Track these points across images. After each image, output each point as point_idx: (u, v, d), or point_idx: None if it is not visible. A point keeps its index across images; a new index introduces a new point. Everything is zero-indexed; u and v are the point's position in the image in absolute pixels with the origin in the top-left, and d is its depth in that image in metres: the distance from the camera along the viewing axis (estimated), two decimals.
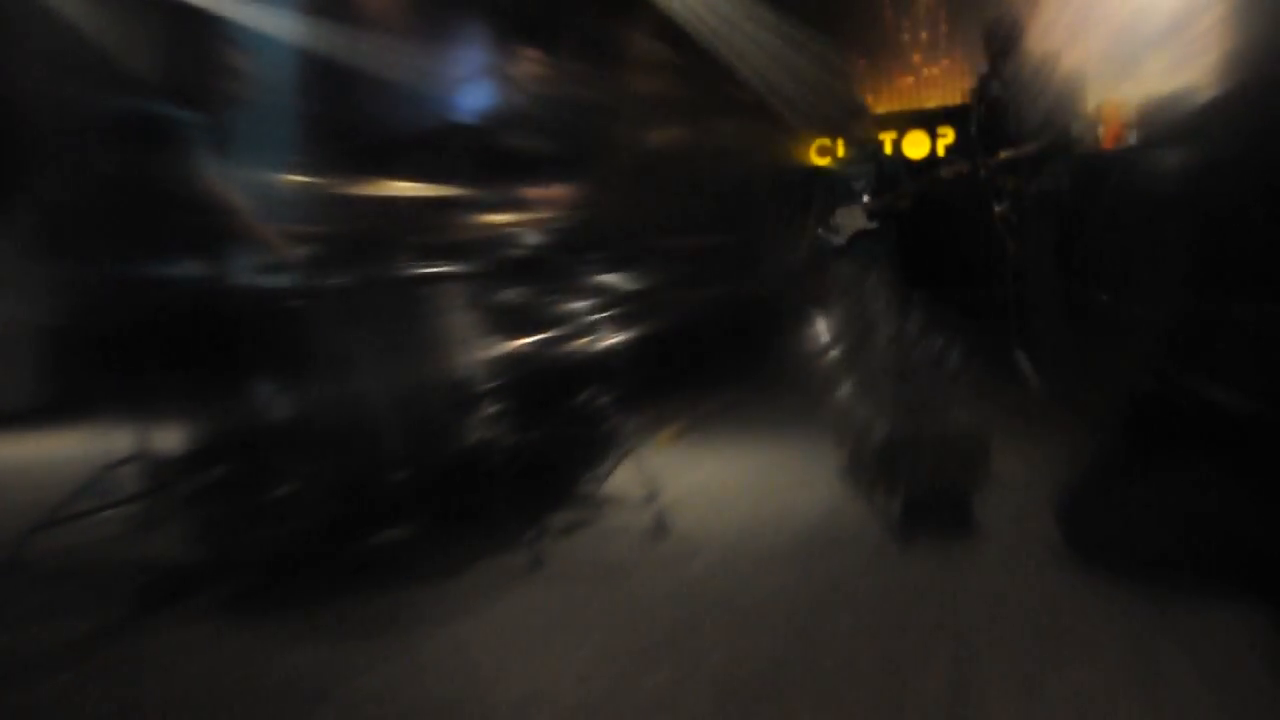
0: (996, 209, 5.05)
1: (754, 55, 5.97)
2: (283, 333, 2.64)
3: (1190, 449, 2.39)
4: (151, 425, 2.79)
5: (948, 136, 7.20)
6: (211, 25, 3.28)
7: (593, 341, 3.01)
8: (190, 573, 2.59)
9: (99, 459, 3.15)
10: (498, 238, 3.50)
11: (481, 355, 2.66)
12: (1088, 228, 4.85)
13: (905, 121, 7.47)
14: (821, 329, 3.61)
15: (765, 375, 6.47)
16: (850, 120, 5.12)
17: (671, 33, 6.12)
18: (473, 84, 5.12)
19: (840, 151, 5.65)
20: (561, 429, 3.02)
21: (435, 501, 3.11)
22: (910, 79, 8.83)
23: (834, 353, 3.51)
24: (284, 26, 4.83)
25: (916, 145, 7.27)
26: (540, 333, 3.22)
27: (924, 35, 8.62)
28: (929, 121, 7.30)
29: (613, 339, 3.28)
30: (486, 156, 4.98)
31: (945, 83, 8.59)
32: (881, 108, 8.42)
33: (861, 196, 5.63)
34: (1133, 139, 7.16)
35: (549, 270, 4.72)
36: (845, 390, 3.35)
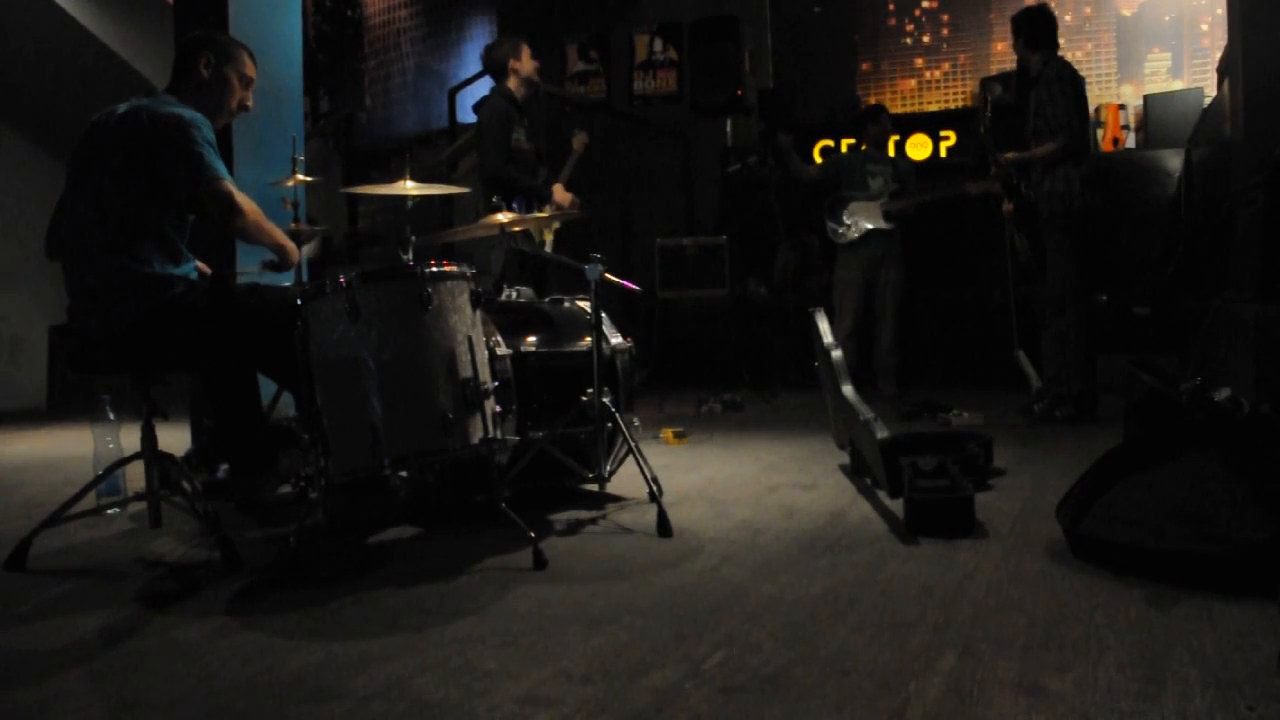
0: (1005, 208, 5.03)
1: None
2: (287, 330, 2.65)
3: (1190, 448, 2.39)
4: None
5: (950, 139, 7.22)
6: None
7: (593, 341, 3.00)
8: (192, 571, 2.59)
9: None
10: (500, 237, 3.50)
11: (483, 354, 2.66)
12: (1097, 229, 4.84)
13: (908, 124, 7.48)
14: (823, 328, 3.61)
15: (766, 375, 6.49)
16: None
17: None
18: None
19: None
20: (562, 429, 3.02)
21: (437, 501, 3.12)
22: (913, 82, 8.84)
23: (835, 352, 3.51)
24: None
25: (919, 148, 7.29)
26: (541, 332, 3.23)
27: (926, 39, 8.63)
28: (931, 124, 7.31)
29: (614, 339, 3.28)
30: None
31: (947, 86, 8.60)
32: None
33: (879, 196, 5.59)
34: (1132, 140, 7.17)
35: (550, 270, 4.73)
36: (846, 390, 3.35)
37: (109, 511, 3.06)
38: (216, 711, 1.66)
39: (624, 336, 3.35)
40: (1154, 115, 6.95)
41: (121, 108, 2.81)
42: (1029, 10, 5.00)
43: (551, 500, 3.26)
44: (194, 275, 2.88)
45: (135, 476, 2.93)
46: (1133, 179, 6.52)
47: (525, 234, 4.68)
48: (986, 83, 5.37)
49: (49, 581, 2.53)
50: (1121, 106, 7.31)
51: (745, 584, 2.29)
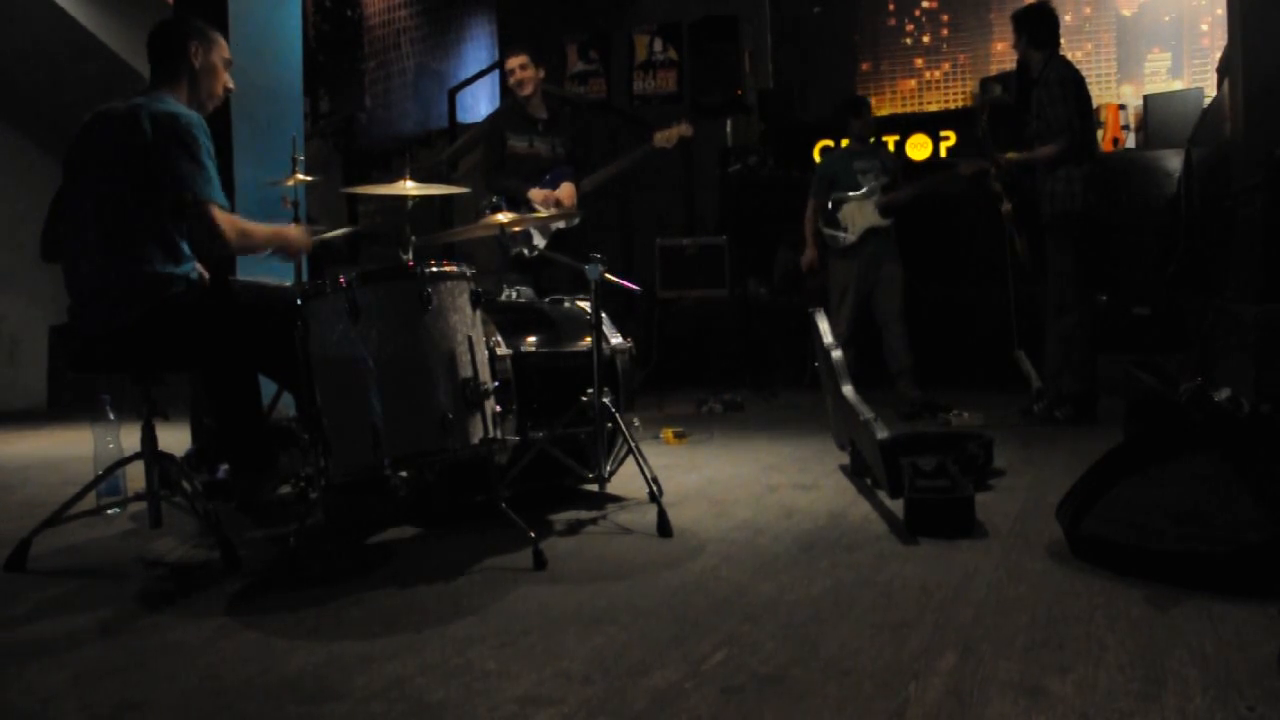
0: (1004, 208, 5.00)
1: None
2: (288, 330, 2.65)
3: (1190, 449, 2.39)
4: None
5: (950, 139, 7.22)
6: None
7: (593, 341, 3.00)
8: (192, 571, 2.59)
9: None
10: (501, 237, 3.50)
11: (483, 354, 2.66)
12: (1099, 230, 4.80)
13: (908, 124, 7.49)
14: (823, 328, 3.61)
15: (766, 375, 6.49)
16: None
17: None
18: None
19: None
20: (562, 429, 3.02)
21: (437, 501, 3.12)
22: (913, 82, 8.85)
23: (835, 352, 3.51)
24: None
25: (919, 148, 7.30)
26: (541, 332, 3.23)
27: (926, 39, 8.63)
28: (932, 124, 7.32)
29: (614, 339, 3.29)
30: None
31: (947, 86, 8.60)
32: (884, 111, 8.45)
33: (872, 193, 5.50)
34: (1132, 140, 7.17)
35: (550, 269, 4.73)
36: (846, 390, 3.35)
37: (109, 511, 3.06)
38: (216, 711, 1.66)
39: (624, 336, 3.35)
40: (1154, 115, 6.96)
41: (119, 106, 2.79)
42: (1032, 8, 4.95)
43: (551, 500, 3.26)
44: (194, 275, 2.87)
45: (135, 476, 2.93)
46: (1133, 179, 6.52)
47: (524, 234, 4.68)
48: (985, 84, 5.31)
49: (49, 581, 2.53)
50: (1121, 106, 7.32)
51: (745, 584, 2.29)
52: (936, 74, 8.70)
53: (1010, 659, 1.76)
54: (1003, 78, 7.59)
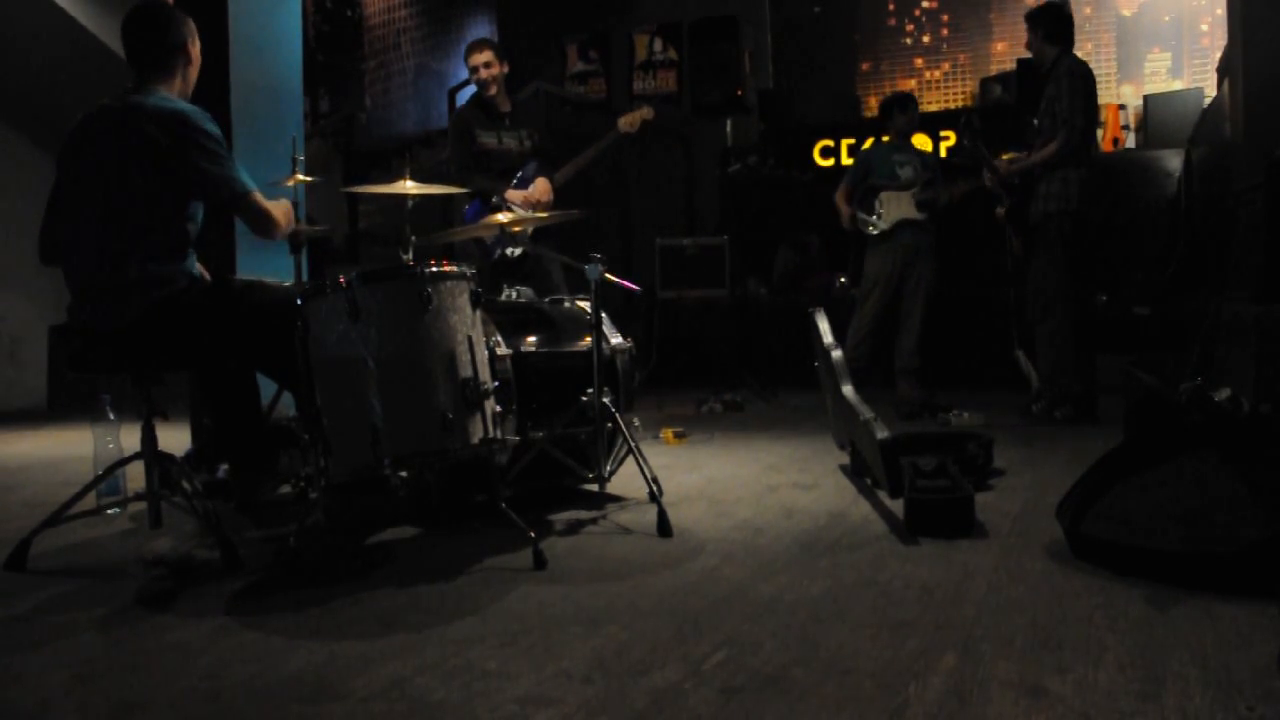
0: (998, 211, 5.00)
1: None
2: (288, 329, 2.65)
3: (1190, 449, 2.39)
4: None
5: (950, 139, 7.23)
6: None
7: (593, 341, 3.00)
8: (192, 571, 2.59)
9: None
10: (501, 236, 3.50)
11: (483, 354, 2.66)
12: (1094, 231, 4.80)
13: None
14: (823, 328, 3.60)
15: (766, 375, 6.49)
16: None
17: None
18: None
19: None
20: (562, 429, 3.02)
21: (437, 501, 3.12)
22: (913, 82, 8.84)
23: (835, 352, 3.51)
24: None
25: (919, 148, 7.30)
26: (541, 332, 3.23)
27: (926, 39, 8.63)
28: (932, 124, 7.32)
29: (614, 339, 3.28)
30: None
31: (947, 86, 8.60)
32: None
33: (911, 186, 5.48)
34: (1132, 140, 7.17)
35: (534, 270, 4.72)
36: (846, 390, 3.35)
37: (109, 511, 3.06)
38: (216, 711, 1.66)
39: (624, 336, 3.35)
40: (1154, 115, 6.96)
41: (114, 105, 2.77)
42: (1050, 5, 4.93)
43: (551, 500, 3.26)
44: (196, 271, 2.87)
45: (135, 476, 2.93)
46: (1133, 179, 6.52)
47: (506, 236, 4.65)
48: (969, 118, 5.30)
49: (49, 581, 2.53)
50: (1121, 106, 7.32)
51: (745, 584, 2.29)
52: (936, 74, 8.70)
53: (1010, 659, 1.76)
54: (1003, 78, 7.60)
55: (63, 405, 7.27)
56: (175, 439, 3.39)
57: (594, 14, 8.68)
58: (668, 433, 4.63)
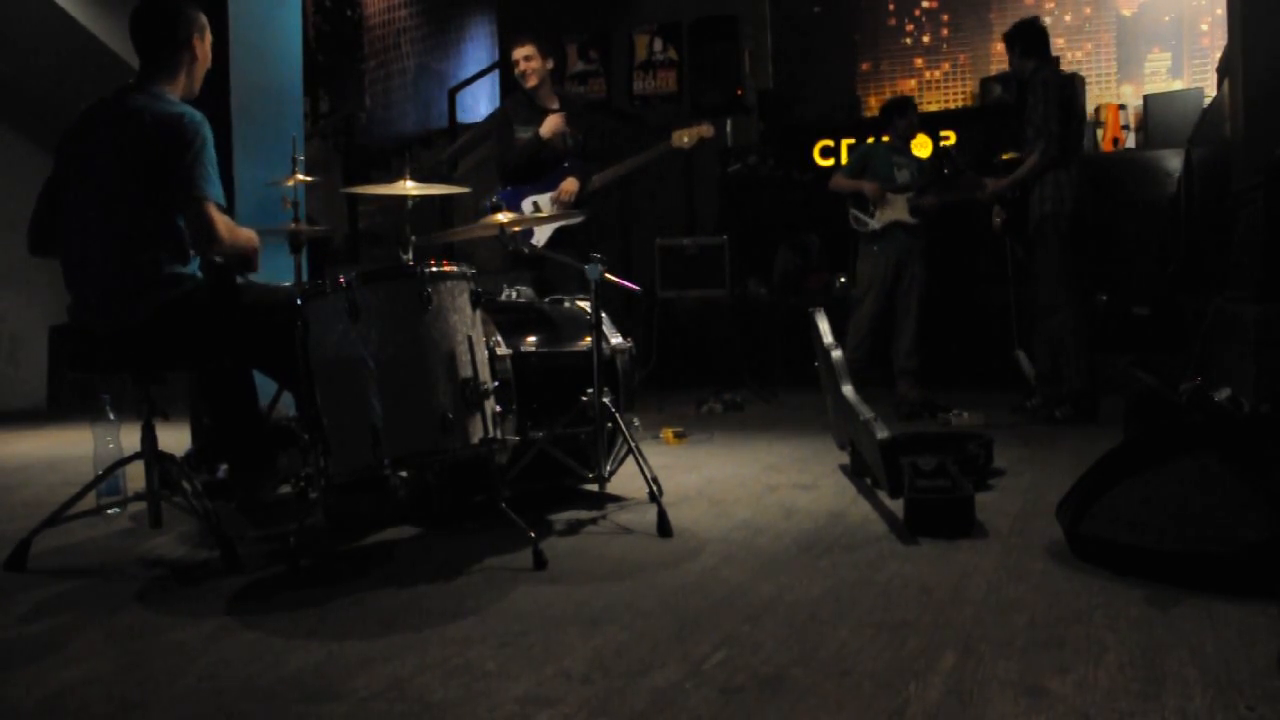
0: (995, 222, 5.05)
1: None
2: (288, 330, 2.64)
3: (1190, 449, 2.39)
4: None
5: (950, 139, 7.22)
6: None
7: (593, 341, 3.00)
8: (192, 571, 2.59)
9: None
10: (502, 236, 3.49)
11: (483, 354, 2.66)
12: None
13: None
14: (823, 328, 3.61)
15: (766, 375, 6.49)
16: None
17: None
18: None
19: None
20: (562, 429, 3.02)
21: (437, 501, 3.12)
22: (913, 82, 8.84)
23: (835, 352, 3.51)
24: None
25: (919, 148, 7.29)
26: (541, 332, 3.23)
27: (926, 39, 8.63)
28: (932, 125, 7.32)
29: (614, 339, 3.28)
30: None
31: (947, 86, 8.60)
32: None
33: (906, 189, 5.51)
34: (1132, 140, 7.17)
35: (551, 265, 4.72)
36: (846, 390, 3.35)
37: (109, 511, 3.06)
38: (216, 711, 1.66)
39: (624, 336, 3.35)
40: (1154, 115, 6.95)
41: (118, 103, 2.77)
42: (1022, 23, 5.10)
43: (551, 500, 3.26)
44: (199, 274, 2.86)
45: (135, 476, 2.93)
46: (1133, 179, 6.52)
47: (524, 231, 4.66)
48: (945, 151, 5.37)
49: (49, 581, 2.53)
50: (1121, 106, 7.31)
51: (745, 584, 2.29)
52: (936, 74, 8.69)
53: (1010, 659, 1.76)
54: (1003, 78, 7.59)
55: (63, 405, 7.27)
56: (175, 439, 3.39)
57: (594, 14, 8.67)
58: (668, 433, 4.63)
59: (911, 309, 5.46)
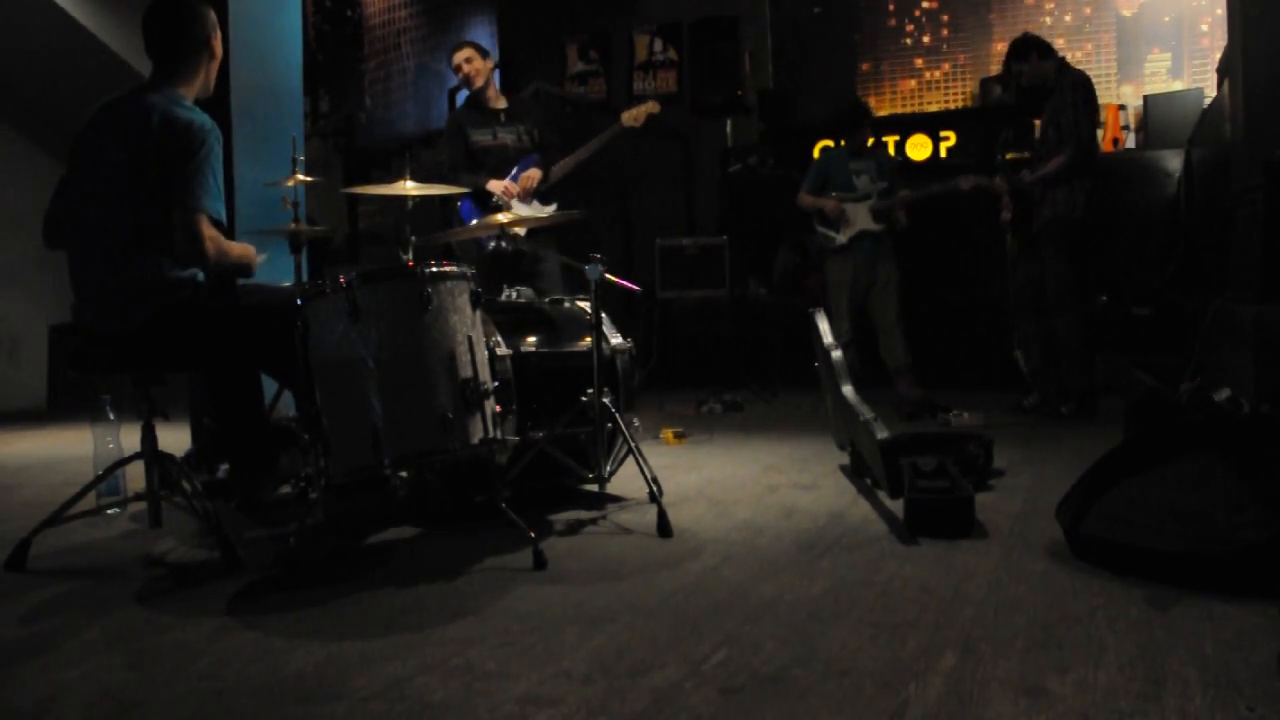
0: (1004, 216, 5.05)
1: None
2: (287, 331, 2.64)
3: (1190, 448, 2.39)
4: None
5: (950, 139, 7.22)
6: None
7: (593, 341, 3.00)
8: (192, 571, 2.59)
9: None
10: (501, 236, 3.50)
11: (483, 354, 2.66)
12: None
13: (908, 125, 7.48)
14: (823, 329, 3.61)
15: (766, 375, 6.49)
16: None
17: None
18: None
19: None
20: (562, 429, 3.02)
21: (436, 501, 3.12)
22: (913, 83, 8.84)
23: (835, 352, 3.51)
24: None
25: (919, 148, 7.29)
26: (541, 332, 3.23)
27: (926, 39, 8.63)
28: (932, 125, 7.32)
29: (614, 339, 3.28)
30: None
31: (947, 86, 8.59)
32: (884, 111, 8.44)
33: (867, 196, 5.49)
34: (1132, 140, 7.17)
35: (528, 263, 4.72)
36: (846, 390, 3.35)
37: (109, 511, 3.06)
38: (216, 711, 1.66)
39: (624, 336, 3.35)
40: (1154, 115, 6.95)
41: (130, 103, 2.75)
42: (1021, 36, 5.10)
43: (551, 500, 3.26)
44: (200, 277, 2.85)
45: (135, 476, 2.93)
46: (1133, 179, 6.52)
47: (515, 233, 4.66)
48: (987, 84, 5.35)
49: (49, 581, 2.53)
50: (1121, 106, 7.31)
51: (745, 584, 2.29)
52: (936, 74, 8.69)
53: (1010, 659, 1.76)
54: (1003, 78, 7.59)
55: (63, 405, 7.27)
56: (175, 439, 3.39)
57: (594, 14, 8.67)
58: (668, 433, 4.63)
59: (891, 309, 5.42)
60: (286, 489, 3.27)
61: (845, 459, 3.77)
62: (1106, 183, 5.16)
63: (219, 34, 2.93)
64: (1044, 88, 4.97)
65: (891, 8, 8.83)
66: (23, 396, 7.43)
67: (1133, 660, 1.73)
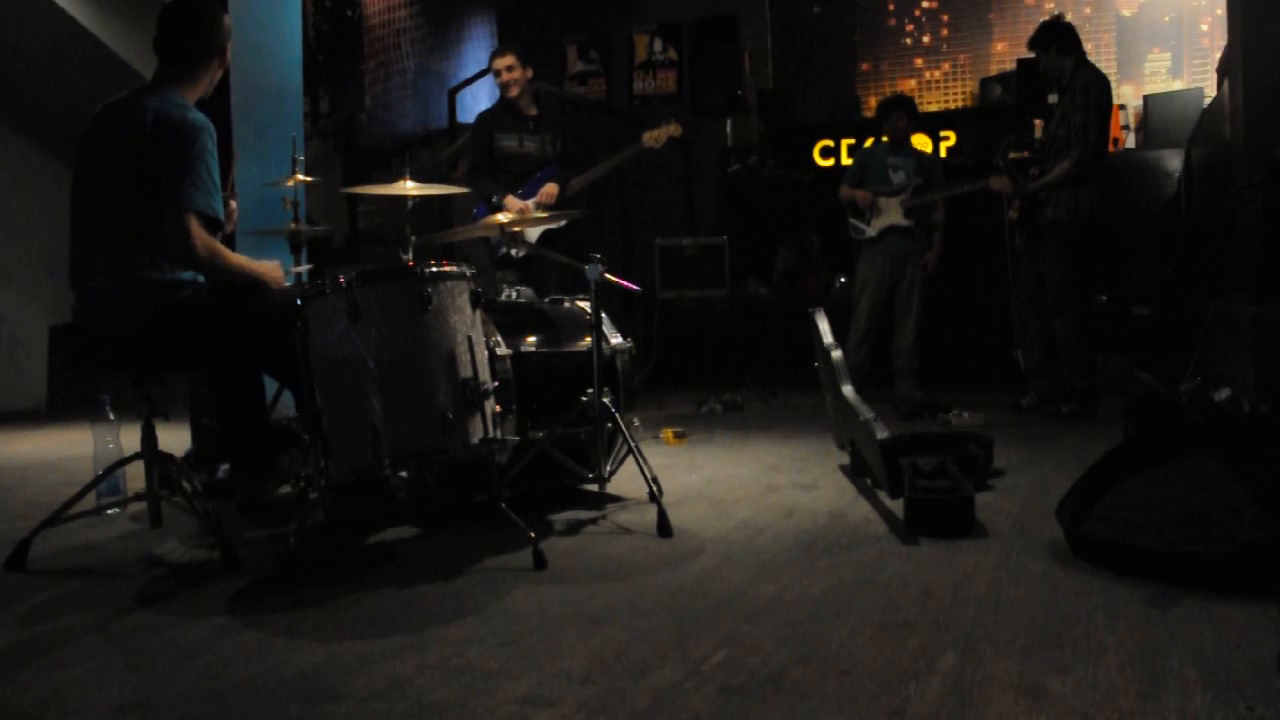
0: (1010, 214, 5.06)
1: None
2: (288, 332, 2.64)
3: (1190, 448, 2.39)
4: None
5: (950, 139, 7.22)
6: None
7: (593, 341, 3.00)
8: (192, 571, 2.59)
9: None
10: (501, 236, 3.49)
11: (483, 354, 2.66)
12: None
13: None
14: (823, 329, 3.61)
15: (766, 375, 6.48)
16: None
17: None
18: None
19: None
20: (562, 429, 3.02)
21: (437, 501, 3.12)
22: (913, 82, 8.84)
23: (835, 352, 3.51)
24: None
25: (919, 148, 7.29)
26: (541, 332, 3.23)
27: (926, 39, 8.63)
28: (931, 125, 7.31)
29: (614, 339, 3.28)
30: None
31: (947, 86, 8.60)
32: None
33: (901, 191, 5.51)
34: (1132, 140, 7.17)
35: (538, 267, 4.73)
36: (846, 390, 3.35)
37: (109, 511, 3.06)
38: (216, 711, 1.66)
39: (624, 336, 3.35)
40: (1154, 115, 6.95)
41: (128, 103, 2.75)
42: (1049, 22, 5.00)
43: (551, 500, 3.26)
44: (200, 278, 2.85)
45: (135, 476, 2.93)
46: (1133, 179, 6.52)
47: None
48: (988, 83, 5.34)
49: (49, 581, 2.53)
50: (1121, 106, 7.31)
51: (745, 584, 2.29)
52: (936, 74, 8.69)
53: (1010, 659, 1.76)
54: (1003, 78, 7.59)
55: (63, 405, 7.28)
56: (175, 439, 3.39)
57: (594, 14, 8.67)
58: (668, 433, 4.63)
59: (912, 309, 5.47)
60: (286, 489, 3.27)
61: (845, 459, 3.77)
62: (1107, 184, 5.15)
63: (232, 42, 2.93)
64: (1059, 82, 4.95)
65: (891, 8, 8.83)
66: (23, 396, 7.43)
67: (1133, 660, 1.73)
